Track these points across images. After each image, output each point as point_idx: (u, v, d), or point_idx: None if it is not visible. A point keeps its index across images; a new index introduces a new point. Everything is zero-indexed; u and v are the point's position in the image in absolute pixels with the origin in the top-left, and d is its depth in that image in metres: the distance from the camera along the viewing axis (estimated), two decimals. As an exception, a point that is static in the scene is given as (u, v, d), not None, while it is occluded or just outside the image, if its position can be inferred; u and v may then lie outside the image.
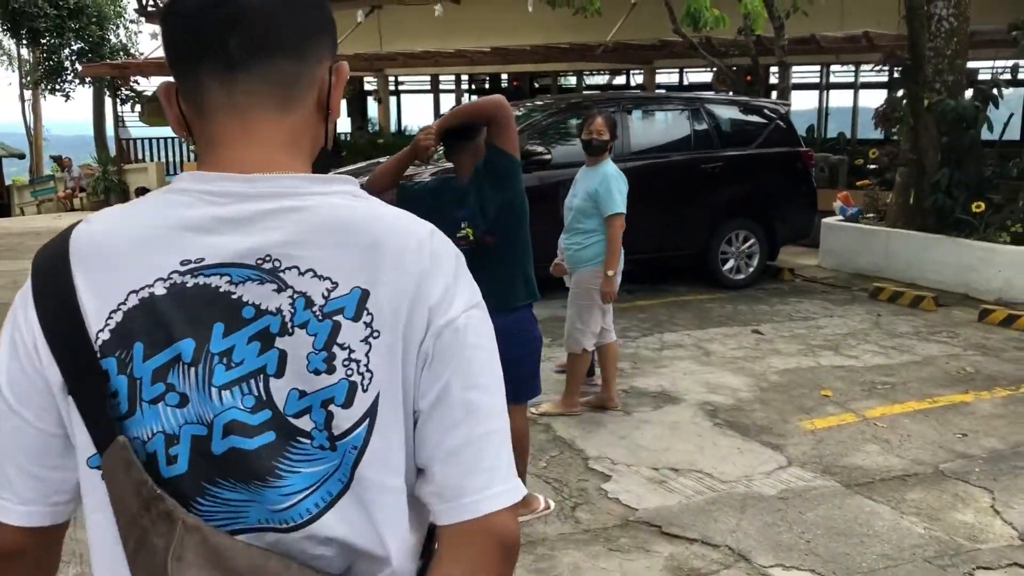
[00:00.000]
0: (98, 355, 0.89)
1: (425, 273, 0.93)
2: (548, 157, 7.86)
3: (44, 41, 21.45)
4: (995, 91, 8.69)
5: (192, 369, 0.88)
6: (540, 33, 15.30)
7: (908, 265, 8.92)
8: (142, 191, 19.91)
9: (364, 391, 0.89)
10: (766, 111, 9.25)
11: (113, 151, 21.11)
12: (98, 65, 19.90)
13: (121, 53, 23.09)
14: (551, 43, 14.02)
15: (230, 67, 0.92)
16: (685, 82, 18.99)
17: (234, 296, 0.89)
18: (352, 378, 0.89)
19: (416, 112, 24.83)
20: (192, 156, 20.03)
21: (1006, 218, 8.54)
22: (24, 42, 22.34)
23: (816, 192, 9.41)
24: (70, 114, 30.09)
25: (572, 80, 20.82)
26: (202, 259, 0.90)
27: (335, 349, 0.89)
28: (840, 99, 17.03)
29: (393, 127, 18.88)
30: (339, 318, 0.89)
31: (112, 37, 23.22)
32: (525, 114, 8.84)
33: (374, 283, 0.90)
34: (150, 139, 21.76)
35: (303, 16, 0.96)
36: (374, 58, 15.78)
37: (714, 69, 12.89)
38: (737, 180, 8.79)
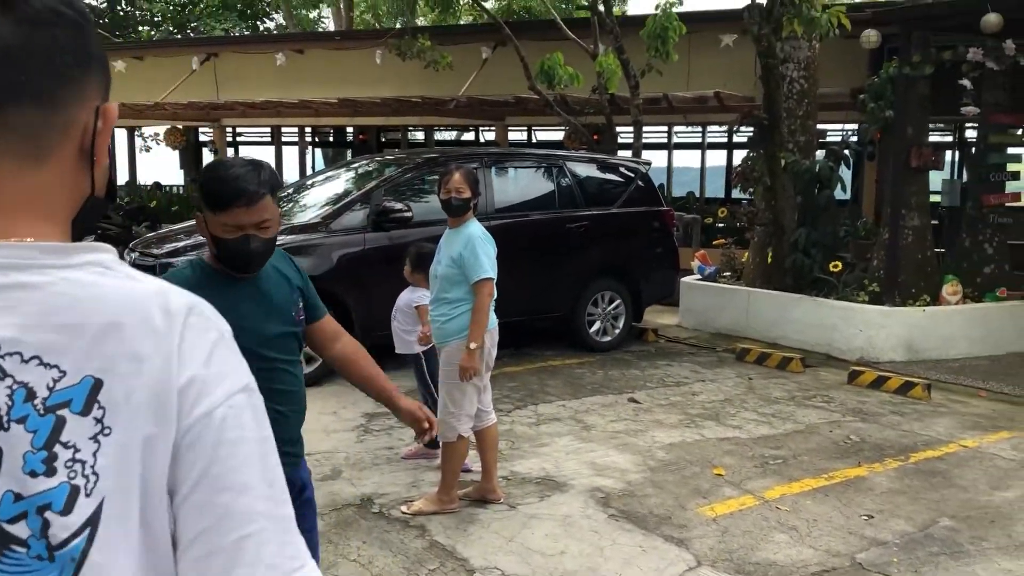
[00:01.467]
0: None
1: (172, 356, 0.82)
2: (409, 215, 7.27)
3: None
4: (847, 152, 8.85)
5: None
6: (388, 86, 14.80)
7: (770, 324, 8.87)
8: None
9: (87, 496, 0.78)
10: (627, 170, 9.06)
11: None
12: None
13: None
14: (402, 96, 13.54)
15: None
16: (534, 139, 19.01)
17: None
18: (75, 481, 0.78)
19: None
20: None
21: (861, 277, 8.65)
22: None
23: (678, 251, 9.28)
24: None
25: (420, 135, 20.44)
26: None
27: (57, 448, 0.78)
28: (684, 159, 17.45)
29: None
30: (64, 412, 0.78)
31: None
32: (378, 168, 8.26)
33: (108, 371, 0.80)
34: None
35: (58, 56, 0.83)
36: (210, 107, 14.77)
37: (566, 127, 12.77)
38: (602, 240, 8.51)
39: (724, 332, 9.24)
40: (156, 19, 26.46)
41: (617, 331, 8.67)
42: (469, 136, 20.22)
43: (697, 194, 15.53)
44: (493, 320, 4.51)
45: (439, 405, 4.50)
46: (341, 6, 23.39)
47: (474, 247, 4.35)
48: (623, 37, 10.67)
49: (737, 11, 12.48)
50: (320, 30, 26.86)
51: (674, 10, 10.20)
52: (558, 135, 17.61)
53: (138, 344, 0.80)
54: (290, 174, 18.24)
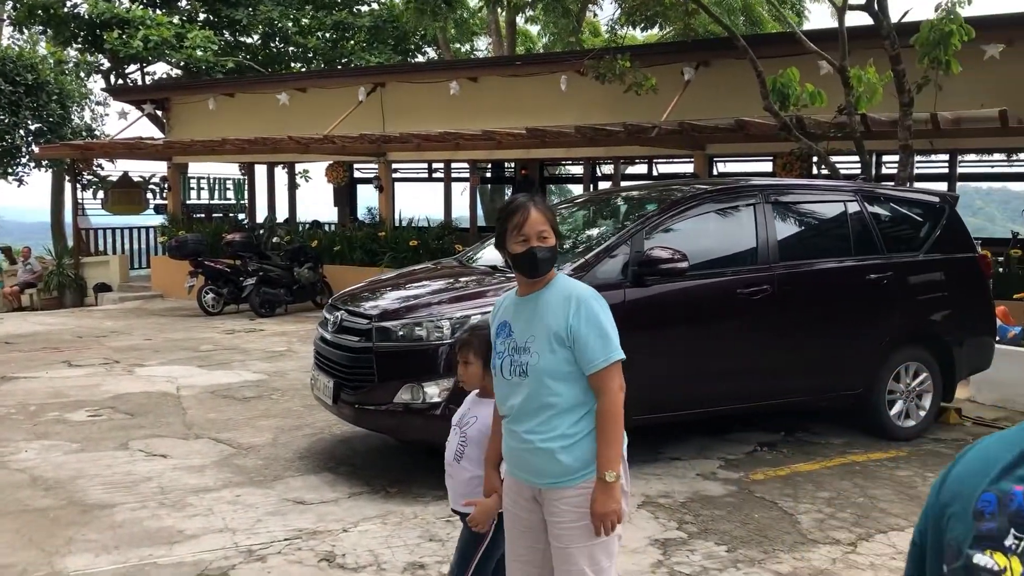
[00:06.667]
0: None
1: None
2: (683, 265, 5.58)
3: (-3, 120, 19.12)
4: None
5: None
6: (570, 114, 13.30)
7: None
8: (102, 287, 17.38)
9: None
10: (929, 206, 7.13)
11: (72, 241, 18.65)
12: (57, 147, 17.58)
13: (84, 133, 20.82)
14: (597, 124, 11.98)
15: None
16: (715, 171, 17.09)
17: None
18: None
19: (410, 201, 22.40)
20: (161, 248, 17.63)
21: None
22: (-27, 120, 19.96)
23: (994, 309, 7.27)
24: (30, 199, 27.48)
25: (579, 169, 18.88)
26: None
27: None
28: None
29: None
30: None
31: (75, 117, 20.96)
32: (632, 205, 6.62)
33: None
34: (113, 229, 19.34)
35: None
36: (381, 140, 13.64)
37: (802, 153, 10.93)
38: (909, 295, 6.63)
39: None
40: (309, 55, 26.07)
41: (923, 413, 6.71)
42: (638, 169, 18.53)
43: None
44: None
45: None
46: (504, 35, 22.23)
47: (591, 312, 2.63)
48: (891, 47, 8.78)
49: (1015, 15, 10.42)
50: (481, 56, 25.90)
51: (960, 10, 8.28)
52: (749, 166, 15.75)
53: None
54: (456, 211, 16.99)
